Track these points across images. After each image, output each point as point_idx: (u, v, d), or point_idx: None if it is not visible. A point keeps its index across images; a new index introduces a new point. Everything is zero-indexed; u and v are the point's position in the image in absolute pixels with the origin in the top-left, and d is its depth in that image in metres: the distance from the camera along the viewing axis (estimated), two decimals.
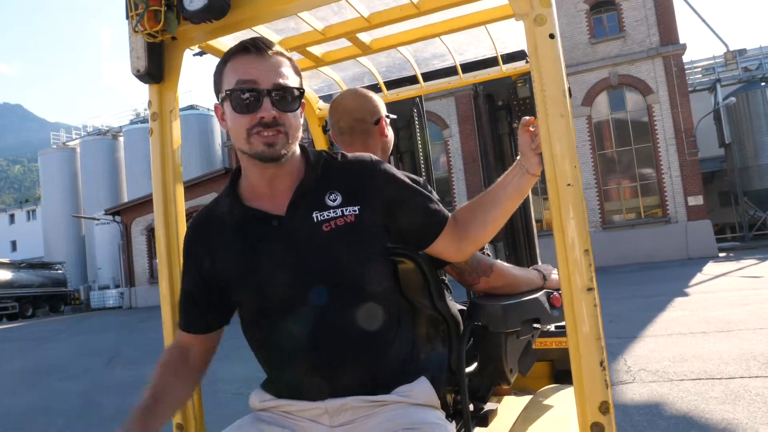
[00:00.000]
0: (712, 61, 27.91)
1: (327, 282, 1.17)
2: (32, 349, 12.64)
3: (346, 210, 1.20)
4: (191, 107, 37.46)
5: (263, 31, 1.77)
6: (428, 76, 2.51)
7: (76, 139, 43.80)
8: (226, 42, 1.81)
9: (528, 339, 1.54)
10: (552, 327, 2.51)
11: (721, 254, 18.66)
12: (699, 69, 27.85)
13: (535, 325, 1.49)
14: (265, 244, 1.19)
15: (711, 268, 14.22)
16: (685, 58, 19.52)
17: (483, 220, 1.29)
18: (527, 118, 1.24)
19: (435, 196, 1.49)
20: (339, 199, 1.22)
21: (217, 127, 35.56)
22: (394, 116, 1.89)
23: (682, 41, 19.33)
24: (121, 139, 39.41)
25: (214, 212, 1.28)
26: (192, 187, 22.43)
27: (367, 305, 1.21)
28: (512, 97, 2.72)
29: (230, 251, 1.21)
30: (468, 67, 2.45)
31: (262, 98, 1.13)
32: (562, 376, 2.43)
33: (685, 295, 9.69)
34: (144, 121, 39.42)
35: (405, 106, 2.92)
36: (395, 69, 2.45)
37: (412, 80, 2.49)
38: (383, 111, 1.76)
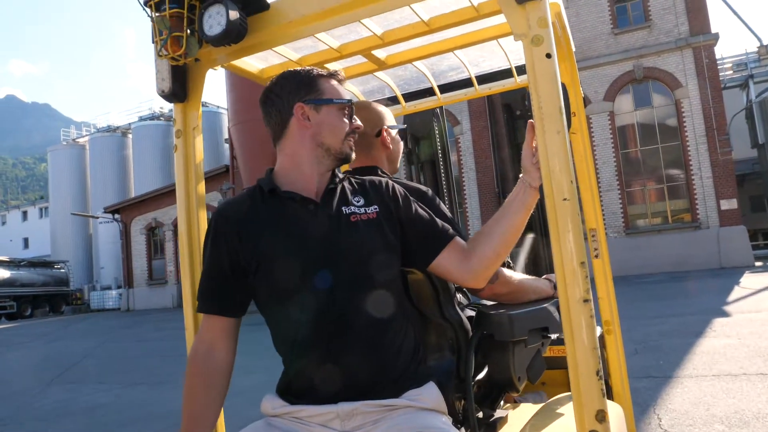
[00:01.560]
0: (744, 57, 27.58)
1: (350, 260, 1.36)
2: None
3: (369, 209, 1.45)
4: (201, 104, 37.94)
5: (282, 50, 1.93)
6: (445, 88, 2.68)
7: (86, 136, 44.58)
8: (246, 60, 1.97)
9: (537, 347, 1.68)
10: None
11: (758, 263, 17.82)
12: (730, 65, 27.51)
13: (545, 334, 1.62)
14: (302, 220, 1.40)
15: (749, 281, 13.12)
16: (716, 53, 18.89)
17: (488, 236, 1.44)
18: (531, 122, 1.36)
19: (445, 209, 1.64)
20: (362, 201, 1.47)
21: (224, 125, 35.95)
22: (403, 126, 2.02)
23: (713, 31, 18.58)
24: (130, 136, 40.00)
25: (243, 199, 1.48)
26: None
27: (382, 294, 1.38)
28: (528, 107, 2.86)
29: (271, 226, 1.40)
30: (484, 78, 2.60)
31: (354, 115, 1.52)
32: None
33: (726, 314, 8.50)
34: (153, 117, 39.96)
35: (425, 117, 3.08)
36: (413, 81, 2.62)
37: (430, 92, 2.65)
38: (387, 122, 1.90)
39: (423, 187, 1.78)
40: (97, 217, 33.42)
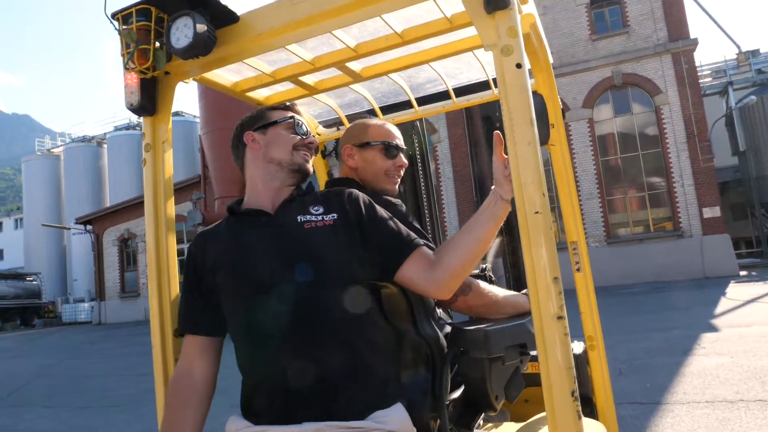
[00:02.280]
0: (722, 64, 28.14)
1: (304, 268, 1.39)
2: None
3: (327, 217, 1.49)
4: (177, 114, 37.75)
5: (256, 63, 1.91)
6: (424, 100, 2.66)
7: (61, 146, 44.07)
8: (219, 73, 1.95)
9: (516, 365, 1.66)
10: None
11: (742, 273, 17.81)
12: (709, 71, 28.06)
13: (524, 351, 1.60)
14: (253, 234, 1.47)
15: (735, 291, 12.89)
16: (695, 60, 19.16)
17: (455, 246, 1.43)
18: (498, 133, 1.35)
19: (414, 223, 1.63)
20: (321, 210, 1.52)
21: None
22: (378, 142, 1.97)
23: (692, 37, 18.75)
24: (106, 146, 39.59)
25: (219, 227, 1.59)
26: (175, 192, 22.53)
27: (340, 306, 1.38)
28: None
29: (222, 242, 1.51)
30: (462, 90, 2.59)
31: (306, 127, 1.64)
32: None
33: (715, 329, 8.10)
34: (128, 127, 39.63)
35: (403, 129, 3.06)
36: (391, 94, 2.61)
37: (408, 104, 2.65)
38: (355, 139, 1.94)
39: (393, 200, 1.78)
40: (69, 228, 32.96)
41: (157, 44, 1.55)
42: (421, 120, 3.06)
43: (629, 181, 19.78)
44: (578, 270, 2.34)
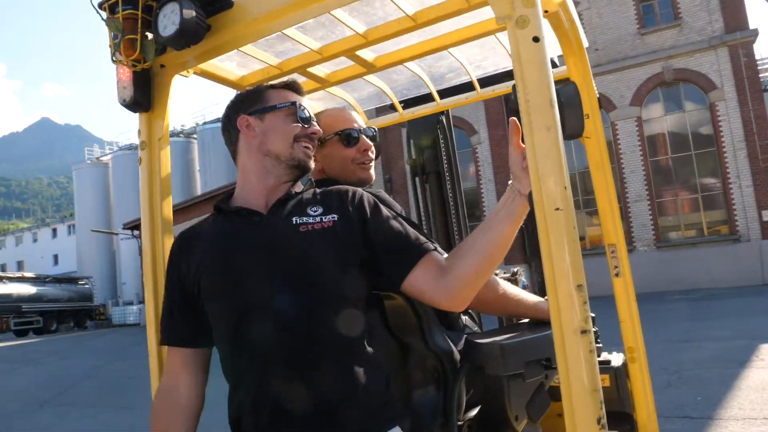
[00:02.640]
0: None
1: (297, 279, 1.24)
2: (4, 373, 13.10)
3: (325, 218, 1.33)
4: (174, 134, 39.01)
5: (261, 55, 1.81)
6: (448, 93, 2.51)
7: (109, 154, 45.75)
8: (219, 65, 1.85)
9: (540, 380, 1.49)
10: None
11: None
12: None
13: (548, 365, 1.43)
14: (242, 236, 1.31)
15: None
16: (755, 52, 17.98)
17: (469, 250, 1.26)
18: (514, 119, 1.19)
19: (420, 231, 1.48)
20: (320, 211, 1.36)
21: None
22: (330, 135, 1.81)
23: (752, 27, 17.58)
24: None
25: (202, 226, 1.43)
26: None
27: (337, 316, 1.23)
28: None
29: (207, 243, 1.35)
30: (488, 81, 2.43)
31: (309, 113, 1.44)
32: None
33: None
34: (172, 134, 40.83)
35: (428, 125, 2.91)
36: (412, 86, 2.47)
37: (430, 97, 2.50)
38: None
39: (371, 190, 1.62)
40: (117, 234, 34.05)
41: (149, 35, 1.46)
42: (446, 114, 2.91)
43: (681, 183, 18.94)
44: (617, 275, 2.14)
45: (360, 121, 1.78)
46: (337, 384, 1.20)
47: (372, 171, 1.78)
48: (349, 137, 1.72)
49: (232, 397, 1.29)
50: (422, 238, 1.33)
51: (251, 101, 1.43)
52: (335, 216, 1.33)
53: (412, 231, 1.34)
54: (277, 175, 1.39)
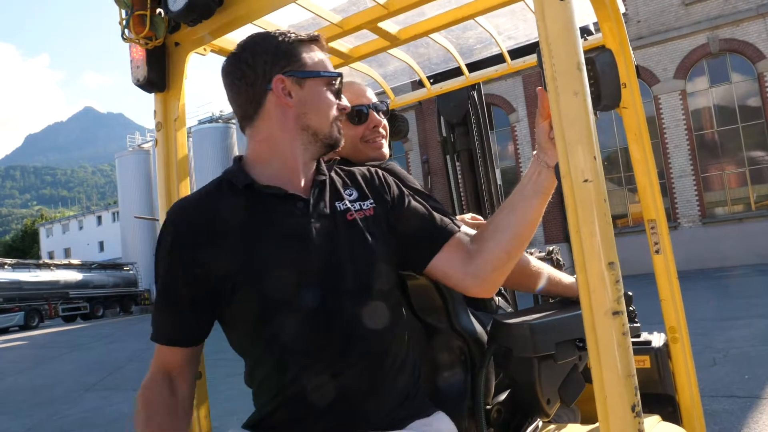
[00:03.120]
0: None
1: (356, 267, 1.16)
2: (52, 358, 13.43)
3: (364, 204, 1.26)
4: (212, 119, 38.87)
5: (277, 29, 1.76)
6: (478, 66, 2.42)
7: (150, 141, 46.70)
8: (235, 39, 1.80)
9: (574, 362, 1.42)
10: None
11: None
12: None
13: (582, 345, 1.36)
14: (293, 222, 1.17)
15: None
16: None
17: (497, 230, 1.19)
18: (541, 89, 1.11)
19: (438, 204, 1.43)
20: (355, 194, 1.28)
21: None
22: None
23: None
24: (191, 139, 41.46)
25: (208, 196, 1.21)
26: None
27: (387, 305, 1.18)
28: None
29: (245, 232, 1.15)
30: (520, 51, 2.33)
31: (341, 92, 1.28)
32: (644, 400, 2.25)
33: None
34: (212, 120, 41.25)
35: (459, 101, 2.83)
36: (440, 61, 2.39)
37: (459, 71, 2.41)
38: None
39: (380, 164, 1.56)
40: (158, 219, 34.97)
41: (160, 11, 1.42)
42: (478, 88, 2.82)
43: (727, 157, 18.30)
44: (657, 252, 2.04)
45: (370, 95, 1.70)
46: (369, 369, 1.15)
47: (385, 149, 1.70)
48: (357, 114, 1.65)
49: (269, 401, 1.19)
50: (446, 219, 1.28)
51: (287, 57, 1.21)
52: (372, 202, 1.27)
53: (436, 214, 1.29)
54: (313, 152, 1.25)
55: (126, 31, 1.43)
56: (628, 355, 0.90)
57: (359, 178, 1.33)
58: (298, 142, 1.22)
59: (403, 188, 1.33)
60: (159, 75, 1.52)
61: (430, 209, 1.29)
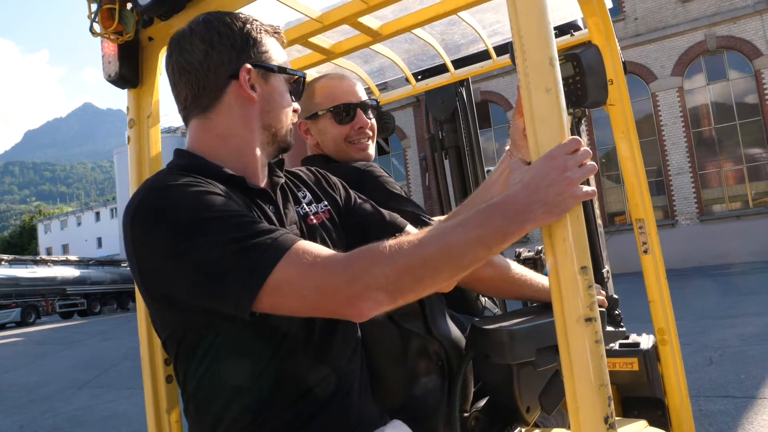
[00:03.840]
0: None
1: None
2: (47, 355, 13.41)
3: (319, 207, 1.23)
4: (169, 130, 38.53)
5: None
6: (467, 61, 2.37)
7: None
8: None
9: (554, 369, 1.37)
10: (616, 345, 2.30)
11: None
12: None
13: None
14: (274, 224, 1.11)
15: None
16: None
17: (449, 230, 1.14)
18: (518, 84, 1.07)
19: (394, 187, 1.45)
20: (308, 197, 1.24)
21: None
22: (324, 110, 1.66)
23: None
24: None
25: (199, 182, 1.01)
26: None
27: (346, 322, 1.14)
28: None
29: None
30: (507, 47, 2.28)
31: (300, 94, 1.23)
32: (631, 405, 2.22)
33: None
34: (169, 131, 41.33)
35: (447, 97, 2.78)
36: (426, 57, 2.35)
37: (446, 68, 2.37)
38: (305, 111, 1.63)
39: (361, 165, 1.52)
40: None
41: (129, 5, 1.38)
42: (466, 85, 2.78)
43: (725, 154, 18.26)
44: (645, 252, 2.00)
45: (360, 92, 1.66)
46: (339, 373, 1.12)
47: (370, 150, 1.64)
48: (342, 113, 1.59)
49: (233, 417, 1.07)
50: (394, 215, 1.27)
51: (256, 45, 1.11)
52: (326, 204, 1.25)
53: (384, 211, 1.28)
54: (268, 154, 1.18)
55: (95, 25, 1.38)
56: (602, 364, 0.86)
57: (306, 178, 1.30)
58: (257, 141, 1.14)
59: (349, 189, 1.32)
60: (131, 70, 1.48)
61: (377, 207, 1.28)
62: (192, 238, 0.91)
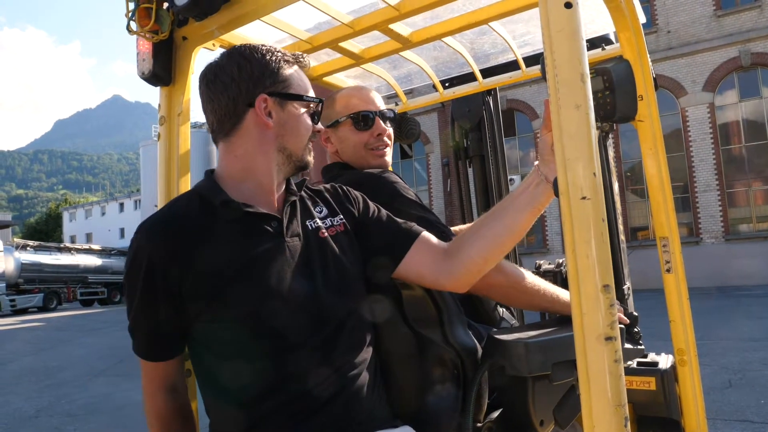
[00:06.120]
0: None
1: (328, 284, 1.18)
2: (67, 341, 13.63)
3: (335, 220, 1.29)
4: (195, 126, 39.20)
5: (291, 29, 1.77)
6: (495, 70, 2.38)
7: None
8: (244, 36, 1.79)
9: (570, 383, 1.37)
10: (634, 363, 2.28)
11: None
12: None
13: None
14: (265, 244, 1.17)
15: None
16: None
17: (478, 235, 1.19)
18: (548, 100, 1.08)
19: (410, 195, 1.48)
20: (325, 211, 1.30)
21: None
22: (344, 117, 1.69)
23: None
24: None
25: (181, 212, 1.19)
26: None
27: (361, 318, 1.21)
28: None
29: (226, 249, 1.14)
30: (536, 58, 2.28)
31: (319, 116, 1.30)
32: (646, 424, 2.20)
33: None
34: (195, 126, 41.87)
35: (474, 106, 2.79)
36: (454, 65, 2.36)
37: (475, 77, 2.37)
38: (326, 119, 1.65)
39: (377, 171, 1.56)
40: None
41: (165, 4, 1.41)
42: (494, 94, 2.78)
43: (754, 173, 17.83)
44: (668, 271, 1.98)
45: (378, 101, 1.69)
46: (354, 378, 1.16)
47: (388, 157, 1.69)
48: (362, 120, 1.64)
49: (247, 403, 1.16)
50: (410, 223, 1.30)
51: (272, 76, 1.20)
52: (342, 218, 1.30)
53: (399, 219, 1.32)
54: (285, 173, 1.26)
55: (132, 23, 1.42)
56: (620, 384, 0.86)
57: (327, 195, 1.35)
58: (274, 162, 1.23)
59: (369, 201, 1.36)
60: (164, 69, 1.53)
61: (392, 217, 1.32)
62: None
